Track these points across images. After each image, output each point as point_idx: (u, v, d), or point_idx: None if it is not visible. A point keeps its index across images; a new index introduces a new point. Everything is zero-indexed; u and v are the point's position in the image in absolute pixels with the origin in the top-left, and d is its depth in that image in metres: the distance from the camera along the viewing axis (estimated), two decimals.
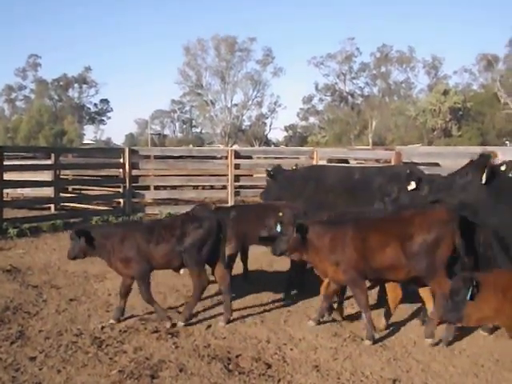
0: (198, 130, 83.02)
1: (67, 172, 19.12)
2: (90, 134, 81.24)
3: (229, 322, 6.53)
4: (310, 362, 5.50)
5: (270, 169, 9.63)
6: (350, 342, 6.00)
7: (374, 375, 5.22)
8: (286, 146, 63.43)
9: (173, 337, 6.09)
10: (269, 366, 5.38)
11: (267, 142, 73.46)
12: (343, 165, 15.90)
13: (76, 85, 79.43)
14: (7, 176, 13.27)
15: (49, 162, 16.57)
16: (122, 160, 15.56)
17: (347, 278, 6.02)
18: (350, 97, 75.27)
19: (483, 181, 5.69)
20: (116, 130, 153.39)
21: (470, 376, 5.24)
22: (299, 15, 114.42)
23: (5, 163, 12.91)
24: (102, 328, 6.37)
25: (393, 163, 14.13)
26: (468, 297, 4.61)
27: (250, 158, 18.76)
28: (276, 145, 70.06)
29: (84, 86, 79.65)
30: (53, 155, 16.27)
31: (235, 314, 6.75)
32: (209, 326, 6.44)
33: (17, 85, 77.31)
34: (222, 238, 6.62)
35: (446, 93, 60.82)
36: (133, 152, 15.87)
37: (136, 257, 6.36)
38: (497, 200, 5.74)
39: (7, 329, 6.31)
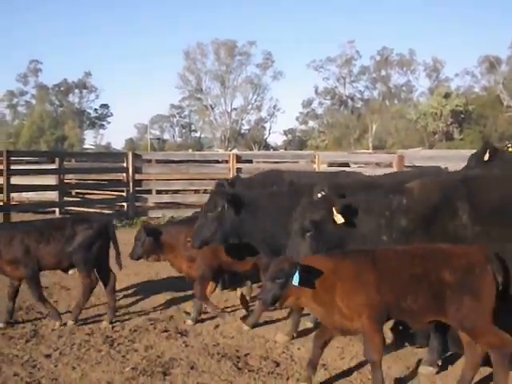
0: (198, 135, 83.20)
1: (70, 176, 19.28)
2: (90, 139, 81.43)
3: (112, 322, 6.67)
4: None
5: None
6: (357, 342, 6.13)
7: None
8: (285, 150, 63.52)
9: (182, 336, 6.25)
10: (277, 365, 5.52)
11: (266, 146, 73.54)
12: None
13: (76, 90, 79.60)
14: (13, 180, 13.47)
15: (53, 166, 16.77)
16: (125, 164, 15.74)
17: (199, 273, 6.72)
18: (349, 100, 75.37)
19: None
20: (116, 135, 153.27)
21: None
22: (299, 19, 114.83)
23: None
24: (113, 327, 6.54)
25: (395, 167, 14.29)
26: (294, 281, 4.42)
27: (250, 162, 18.90)
28: (275, 149, 70.07)
29: (84, 91, 79.84)
30: (57, 159, 16.48)
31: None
32: (217, 326, 6.59)
33: (18, 90, 77.47)
34: (110, 241, 6.89)
35: (447, 96, 60.77)
36: (136, 156, 16.05)
37: (25, 258, 6.45)
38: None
39: (21, 328, 6.53)
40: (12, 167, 13.67)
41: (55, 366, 5.44)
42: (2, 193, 13.26)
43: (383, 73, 73.38)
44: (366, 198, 5.44)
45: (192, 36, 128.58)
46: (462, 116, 60.75)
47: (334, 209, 5.02)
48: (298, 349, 5.93)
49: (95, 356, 5.69)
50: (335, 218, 5.05)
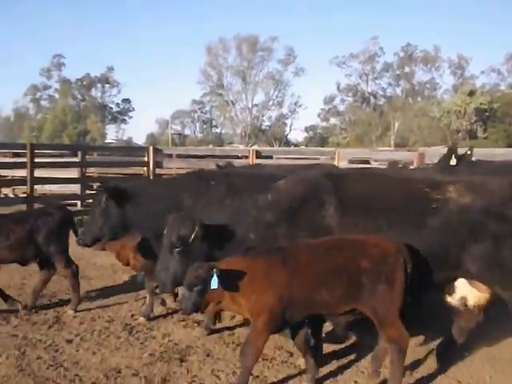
0: (218, 131, 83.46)
1: (92, 169, 19.55)
2: (111, 134, 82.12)
3: (76, 311, 6.83)
4: (329, 352, 5.74)
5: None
6: (369, 333, 6.24)
7: None
8: (306, 146, 63.46)
9: (199, 325, 6.40)
10: (290, 355, 5.65)
11: (287, 143, 73.52)
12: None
13: (99, 84, 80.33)
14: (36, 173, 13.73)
15: (76, 159, 17.06)
16: (146, 158, 15.94)
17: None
18: (372, 97, 74.93)
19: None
20: (137, 130, 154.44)
21: (487, 367, 5.46)
22: (321, 14, 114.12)
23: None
24: (132, 316, 6.74)
25: (415, 165, 14.27)
26: (212, 285, 4.37)
27: (270, 158, 19.00)
28: (296, 145, 70.03)
29: (106, 85, 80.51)
30: (79, 153, 16.76)
31: None
32: (233, 316, 6.73)
33: (42, 84, 78.40)
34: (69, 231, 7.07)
35: (471, 93, 60.00)
36: (157, 151, 16.25)
37: None
38: None
39: (44, 314, 6.79)
40: (35, 160, 13.93)
41: (76, 351, 5.67)
42: (25, 185, 13.54)
43: (407, 70, 72.69)
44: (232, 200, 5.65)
45: (214, 31, 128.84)
46: (487, 114, 59.98)
47: (196, 226, 5.00)
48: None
49: (114, 342, 5.91)
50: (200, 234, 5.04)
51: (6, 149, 20.12)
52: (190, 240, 4.99)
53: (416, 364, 5.50)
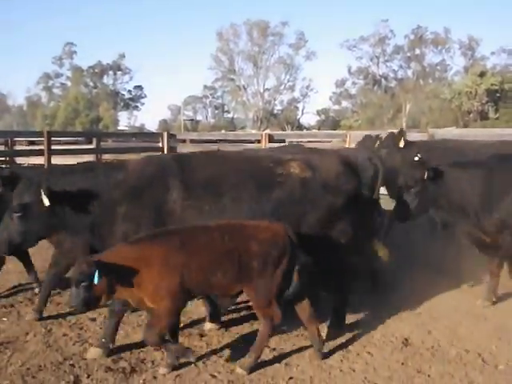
0: (230, 116, 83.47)
1: (107, 156, 19.81)
2: (124, 120, 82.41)
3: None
4: (344, 325, 5.98)
5: None
6: (383, 309, 6.47)
7: (403, 337, 5.69)
8: (318, 130, 63.43)
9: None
10: (306, 328, 5.85)
11: (299, 127, 73.46)
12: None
13: (110, 72, 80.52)
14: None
15: (91, 146, 17.33)
16: (160, 144, 16.18)
17: None
18: (383, 80, 74.62)
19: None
20: (149, 116, 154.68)
21: (494, 339, 5.65)
22: None
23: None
24: None
25: None
26: (95, 280, 4.37)
27: (283, 141, 19.14)
28: (308, 129, 69.93)
29: (118, 72, 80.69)
30: (94, 140, 17.03)
31: None
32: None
33: (54, 72, 78.70)
34: None
35: (482, 74, 59.71)
36: (170, 136, 16.48)
37: None
38: None
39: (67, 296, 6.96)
40: (52, 147, 14.18)
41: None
42: None
43: (417, 52, 72.32)
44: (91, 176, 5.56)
45: (225, 17, 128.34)
46: (498, 95, 59.67)
47: (41, 191, 5.05)
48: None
49: (136, 320, 6.18)
50: (43, 201, 5.07)
51: (22, 137, 20.44)
52: (33, 206, 5.10)
53: (425, 334, 5.72)
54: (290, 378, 4.82)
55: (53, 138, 14.54)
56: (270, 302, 4.85)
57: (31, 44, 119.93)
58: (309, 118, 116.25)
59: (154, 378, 4.82)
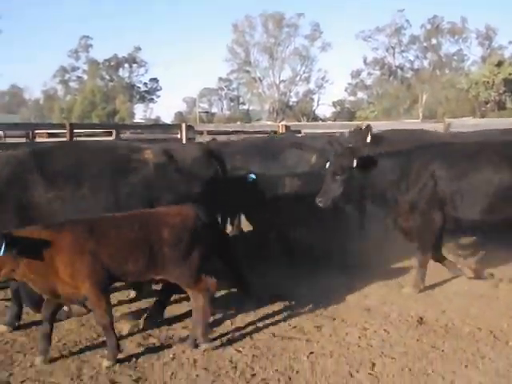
0: (246, 107, 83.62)
1: None
2: (139, 113, 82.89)
3: None
4: (361, 306, 6.29)
5: None
6: (398, 290, 6.76)
7: (418, 316, 5.96)
8: (334, 121, 63.37)
9: None
10: (325, 308, 6.20)
11: (315, 118, 73.47)
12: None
13: (126, 65, 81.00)
14: None
15: (110, 138, 17.66)
16: (178, 135, 16.49)
17: None
18: (399, 70, 74.36)
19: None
20: (165, 109, 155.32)
21: (505, 317, 5.90)
22: None
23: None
24: None
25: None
26: (1, 252, 4.41)
27: (299, 132, 19.34)
28: (323, 120, 69.95)
29: (134, 65, 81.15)
30: (114, 131, 17.37)
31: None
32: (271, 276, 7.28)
33: (70, 66, 79.34)
34: None
35: (500, 64, 59.18)
36: (188, 128, 16.79)
37: None
38: None
39: None
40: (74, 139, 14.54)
41: (129, 309, 6.34)
42: None
43: (434, 42, 71.90)
44: None
45: (240, 9, 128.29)
46: None
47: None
48: (345, 296, 6.59)
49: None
50: None
51: (45, 129, 20.83)
52: None
53: (439, 313, 5.99)
54: (311, 352, 5.10)
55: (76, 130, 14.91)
56: (197, 278, 5.09)
57: (47, 38, 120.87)
58: (324, 110, 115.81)
59: (183, 352, 5.13)
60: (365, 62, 75.00)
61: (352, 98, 78.01)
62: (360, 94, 77.25)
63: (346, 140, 8.66)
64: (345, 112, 75.29)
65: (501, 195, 6.56)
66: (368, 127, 8.94)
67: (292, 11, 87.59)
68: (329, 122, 57.79)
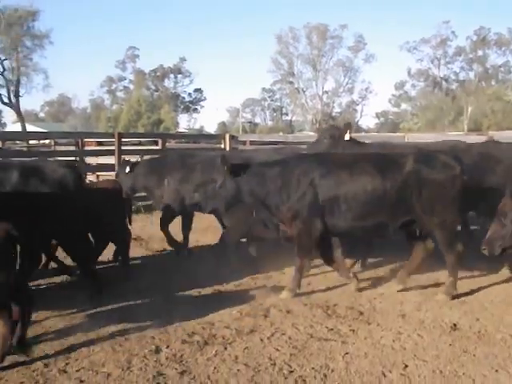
0: (289, 118, 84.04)
1: None
2: (183, 123, 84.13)
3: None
4: (396, 312, 6.48)
5: None
6: (433, 297, 6.94)
7: (451, 323, 6.14)
8: (377, 132, 63.16)
9: (280, 290, 7.21)
10: (361, 313, 6.43)
11: (358, 129, 73.34)
12: None
13: (171, 75, 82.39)
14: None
15: (156, 147, 18.23)
16: (222, 145, 16.93)
17: None
18: (444, 82, 73.67)
19: None
20: (208, 119, 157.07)
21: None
22: (391, 0, 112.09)
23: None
24: (221, 283, 7.63)
25: None
26: None
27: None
28: (366, 132, 69.78)
29: (179, 76, 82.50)
30: (160, 141, 17.93)
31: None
32: (309, 283, 7.55)
33: (117, 76, 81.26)
34: None
35: None
36: (232, 138, 17.22)
37: None
38: None
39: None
40: (122, 148, 15.13)
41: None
42: (114, 171, 14.79)
43: (480, 53, 71.02)
44: None
45: (284, 20, 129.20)
46: None
47: None
48: (380, 302, 6.81)
49: (208, 300, 6.92)
50: None
51: (95, 138, 21.61)
52: None
53: (473, 320, 6.16)
54: (346, 353, 5.34)
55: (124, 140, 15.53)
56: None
57: (95, 48, 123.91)
58: (367, 121, 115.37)
59: (225, 348, 5.45)
60: (409, 73, 74.68)
61: (396, 110, 77.72)
62: (404, 106, 76.91)
63: (321, 134, 8.87)
64: (388, 123, 75.04)
65: (372, 203, 6.79)
66: (348, 125, 9.02)
67: (336, 23, 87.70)
68: (372, 133, 57.63)
